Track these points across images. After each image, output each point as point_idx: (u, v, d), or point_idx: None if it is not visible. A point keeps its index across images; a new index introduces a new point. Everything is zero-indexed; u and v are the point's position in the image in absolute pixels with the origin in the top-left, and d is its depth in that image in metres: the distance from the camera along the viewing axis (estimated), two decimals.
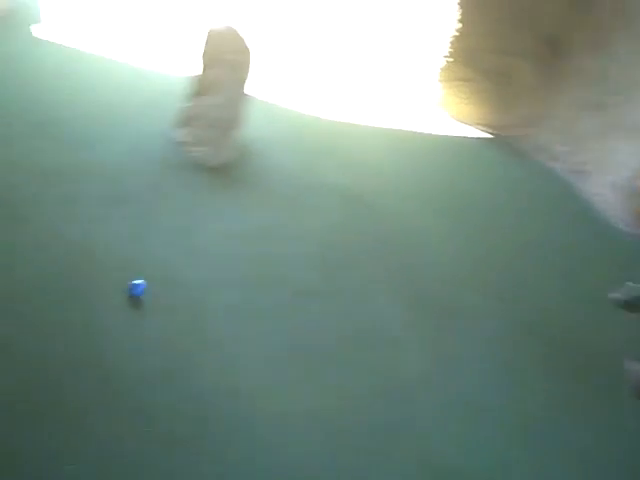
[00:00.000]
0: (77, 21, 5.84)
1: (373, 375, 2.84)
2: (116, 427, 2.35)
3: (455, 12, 2.43)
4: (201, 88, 4.11)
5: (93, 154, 3.89)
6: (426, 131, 4.58)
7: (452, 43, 2.48)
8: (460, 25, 2.11)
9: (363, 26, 5.37)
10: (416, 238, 3.58)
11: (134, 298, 2.95)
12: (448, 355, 2.97)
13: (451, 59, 2.69)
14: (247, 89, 4.00)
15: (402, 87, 4.96)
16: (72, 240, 3.19)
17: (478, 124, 4.72)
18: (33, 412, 2.34)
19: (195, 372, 2.61)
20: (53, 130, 4.07)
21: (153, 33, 5.78)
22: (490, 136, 4.67)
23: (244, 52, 4.01)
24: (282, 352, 2.79)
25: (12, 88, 4.49)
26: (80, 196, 3.51)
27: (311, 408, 2.60)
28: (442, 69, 2.10)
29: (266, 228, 3.44)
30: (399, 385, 2.81)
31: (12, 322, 2.69)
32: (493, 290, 3.37)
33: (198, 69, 4.17)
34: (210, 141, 3.92)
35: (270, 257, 3.22)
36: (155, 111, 4.43)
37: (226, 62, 3.95)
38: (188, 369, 2.62)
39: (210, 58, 4.07)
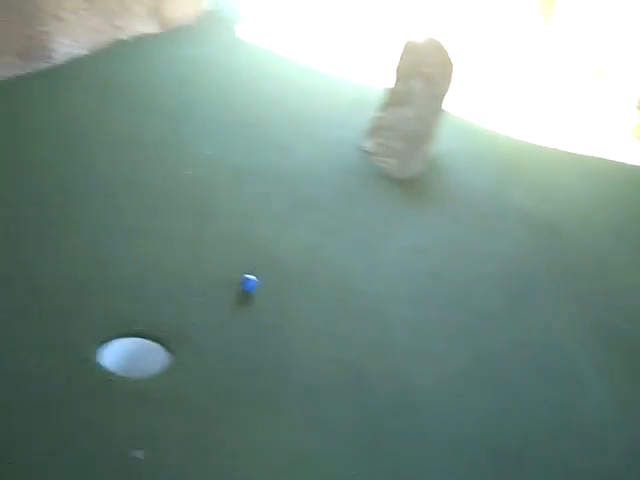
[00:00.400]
0: (277, 23, 6.15)
1: (553, 409, 2.73)
2: None
3: None
4: (394, 99, 4.14)
5: (284, 157, 4.02)
6: (620, 160, 4.43)
7: None
8: None
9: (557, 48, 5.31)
10: (605, 271, 3.48)
11: (245, 294, 2.97)
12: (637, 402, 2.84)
13: None
14: (444, 103, 4.02)
15: (596, 113, 4.84)
16: (258, 239, 3.29)
17: None
18: None
19: (369, 384, 2.62)
20: (247, 131, 4.24)
21: (351, 41, 5.95)
22: None
23: (444, 65, 4.02)
24: (459, 375, 2.75)
25: (210, 89, 4.75)
26: (270, 197, 3.63)
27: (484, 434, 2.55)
28: None
29: (449, 245, 3.44)
30: (579, 420, 2.71)
31: (198, 317, 2.80)
32: None
33: (393, 80, 4.21)
34: (399, 153, 3.96)
35: (451, 275, 3.21)
36: (347, 119, 4.53)
37: (423, 75, 3.98)
38: (361, 379, 2.64)
39: (406, 70, 4.10)
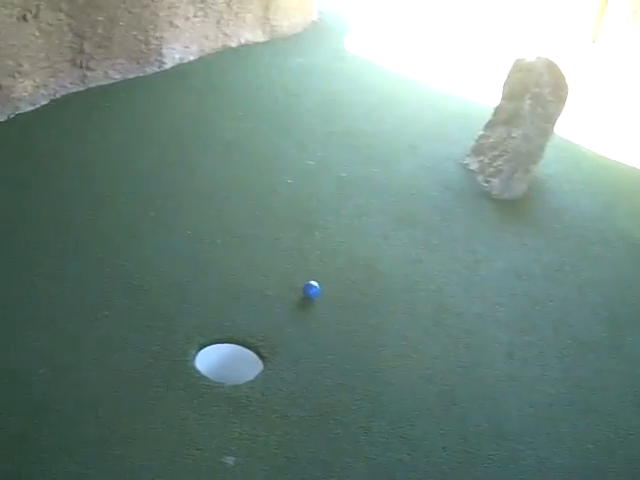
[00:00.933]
0: (384, 35, 6.15)
1: None
2: None
3: None
4: (501, 118, 4.08)
5: (385, 170, 4.02)
6: None
7: None
8: None
9: None
10: None
11: (309, 299, 2.99)
12: None
13: None
14: (554, 125, 3.93)
15: None
16: (358, 252, 3.29)
17: None
18: None
19: (462, 407, 2.58)
20: (349, 142, 4.27)
21: (459, 56, 5.90)
22: None
23: (556, 86, 3.93)
24: (554, 403, 2.66)
25: (315, 98, 4.81)
26: (371, 210, 3.62)
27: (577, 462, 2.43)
28: None
29: (550, 269, 3.36)
30: None
31: (294, 326, 2.83)
32: None
33: (500, 98, 4.16)
34: (503, 173, 3.89)
35: (551, 300, 3.13)
36: (451, 135, 4.51)
37: (532, 94, 3.90)
38: (453, 402, 2.60)
39: (515, 89, 4.03)
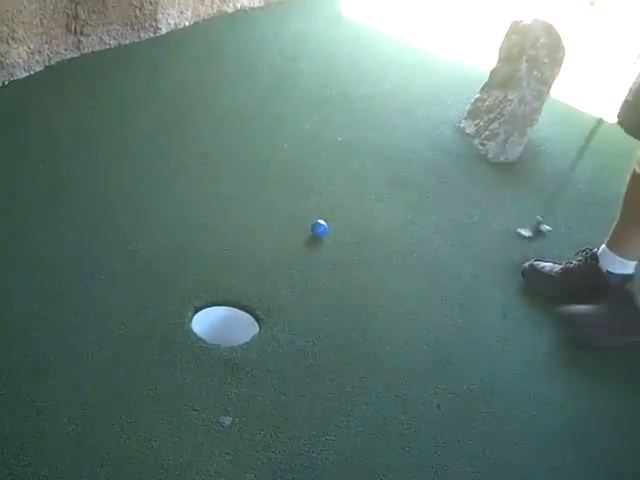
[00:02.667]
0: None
1: None
2: None
3: None
4: (497, 81, 4.08)
5: (381, 133, 4.02)
6: None
7: None
8: None
9: None
10: None
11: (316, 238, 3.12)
12: None
13: None
14: (550, 88, 3.93)
15: None
16: (353, 215, 3.32)
17: None
18: None
19: (456, 368, 2.60)
20: (345, 106, 4.26)
21: (455, 19, 5.86)
22: None
23: (553, 49, 3.91)
24: (550, 365, 2.70)
25: (312, 63, 4.78)
26: (366, 174, 3.63)
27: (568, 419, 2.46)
28: None
29: (545, 232, 3.38)
30: None
31: (290, 288, 2.85)
32: None
33: (496, 61, 4.15)
34: (499, 136, 3.88)
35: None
36: (447, 98, 4.49)
37: (529, 57, 3.88)
38: (447, 363, 2.62)
39: (511, 51, 4.02)
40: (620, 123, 2.72)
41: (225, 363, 2.44)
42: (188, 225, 3.08)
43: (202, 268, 2.84)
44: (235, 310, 2.70)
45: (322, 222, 3.11)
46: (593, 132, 3.22)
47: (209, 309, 2.69)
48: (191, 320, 2.60)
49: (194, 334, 2.54)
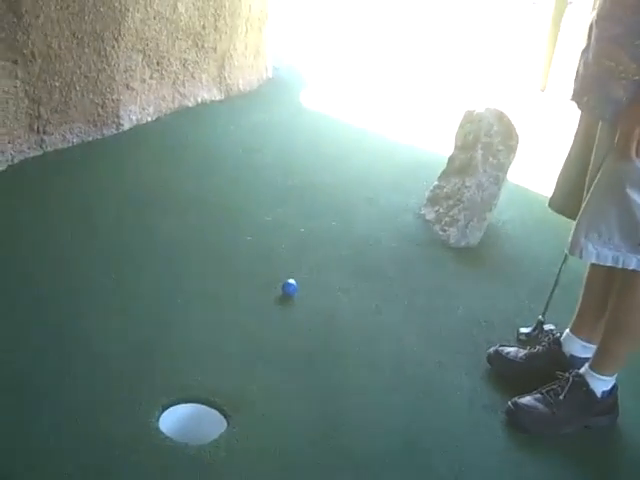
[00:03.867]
0: (340, 89, 6.29)
1: None
2: None
3: None
4: (454, 168, 4.18)
5: (344, 223, 4.07)
6: None
7: None
8: None
9: None
10: None
11: (287, 296, 3.30)
12: None
13: None
14: (506, 173, 4.04)
15: None
16: (319, 307, 3.33)
17: None
18: None
19: (425, 457, 2.60)
20: (308, 196, 4.33)
21: (413, 107, 6.04)
22: None
23: (506, 135, 4.03)
24: (520, 451, 2.69)
25: (273, 154, 4.88)
26: (330, 264, 3.67)
27: None
28: None
29: (508, 314, 3.41)
30: None
31: (257, 382, 2.84)
32: None
33: (453, 148, 4.27)
34: (459, 222, 3.96)
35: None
36: (407, 185, 4.58)
37: (483, 144, 4.01)
38: (417, 452, 2.61)
39: (466, 139, 4.14)
40: (548, 204, 2.89)
41: (193, 462, 2.41)
42: (153, 322, 3.08)
43: (169, 365, 2.83)
44: (203, 407, 2.68)
45: (291, 281, 3.30)
46: None
47: (177, 407, 2.66)
48: (158, 419, 2.57)
49: (162, 433, 2.51)
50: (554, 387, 2.78)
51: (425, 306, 3.43)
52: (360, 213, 4.19)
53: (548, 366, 2.91)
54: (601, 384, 2.70)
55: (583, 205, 2.52)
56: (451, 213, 4.00)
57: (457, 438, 2.69)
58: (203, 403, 2.69)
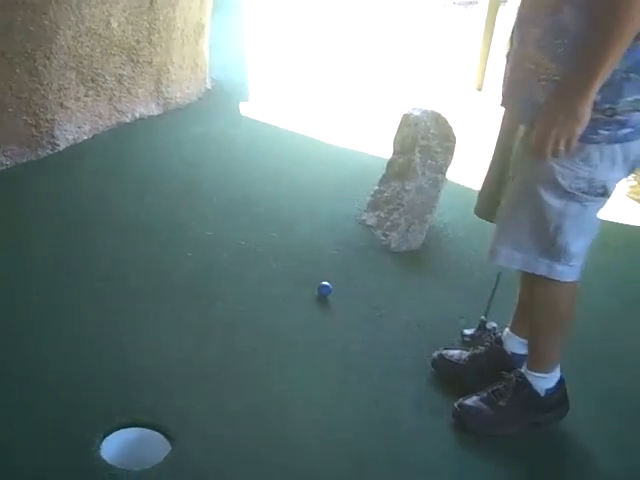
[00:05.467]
0: (280, 98, 6.24)
1: None
2: None
3: None
4: (394, 172, 4.18)
5: (286, 233, 4.05)
6: (616, 220, 4.46)
7: None
8: None
9: None
10: (603, 332, 3.46)
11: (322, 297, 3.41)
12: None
13: None
14: (445, 174, 4.05)
15: None
16: (263, 320, 3.30)
17: None
18: None
19: (372, 468, 2.61)
20: (249, 208, 4.29)
21: (354, 112, 6.03)
22: None
23: (443, 138, 4.04)
24: (472, 453, 2.72)
25: (214, 167, 4.82)
26: (272, 276, 3.65)
27: None
28: None
29: (452, 316, 3.42)
30: None
31: (200, 402, 2.80)
32: None
33: (392, 152, 4.26)
34: (400, 226, 3.96)
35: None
36: (349, 192, 4.57)
37: (421, 147, 4.00)
38: (363, 464, 2.62)
39: (404, 143, 4.14)
40: (474, 211, 3.00)
41: None
42: (93, 346, 3.02)
43: (109, 390, 2.78)
44: (145, 430, 2.64)
45: (325, 283, 3.41)
46: None
47: (118, 432, 2.62)
48: (99, 447, 2.52)
49: (103, 461, 2.46)
50: (499, 387, 2.79)
51: (369, 313, 3.42)
52: (301, 223, 4.17)
53: (492, 365, 2.92)
54: (542, 382, 2.71)
55: (498, 209, 2.54)
56: (392, 218, 4.00)
57: (405, 444, 2.69)
58: (146, 426, 2.65)
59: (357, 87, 6.62)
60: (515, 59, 2.36)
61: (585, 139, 2.14)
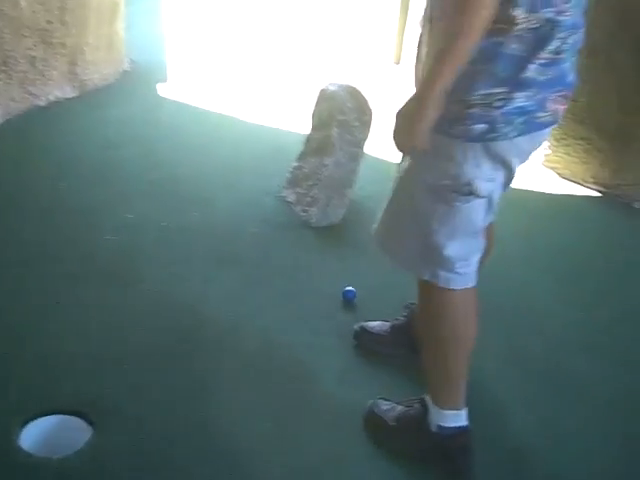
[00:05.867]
0: (203, 78, 6.15)
1: None
2: None
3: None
4: (312, 148, 4.17)
5: (206, 212, 4.02)
6: (532, 189, 4.53)
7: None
8: (580, 83, 2.05)
9: None
10: (521, 300, 3.50)
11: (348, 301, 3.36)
12: (552, 419, 2.82)
13: (566, 117, 2.58)
14: (363, 148, 4.05)
15: None
16: (184, 300, 3.28)
17: (588, 182, 4.62)
18: None
19: (298, 440, 2.64)
20: (169, 189, 4.24)
21: (273, 89, 5.97)
22: (600, 195, 4.55)
23: (360, 112, 4.04)
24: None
25: (133, 149, 4.74)
26: (193, 256, 3.63)
27: None
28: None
29: (373, 289, 3.43)
30: None
31: (121, 385, 2.78)
32: (606, 355, 3.20)
33: (310, 128, 4.25)
34: (320, 201, 3.97)
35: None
36: (269, 168, 4.55)
37: (339, 122, 3.99)
38: (289, 436, 2.64)
39: (322, 118, 4.13)
40: None
41: (58, 476, 2.36)
42: (10, 333, 2.98)
43: (27, 377, 2.76)
44: (66, 417, 2.62)
45: (350, 288, 3.35)
46: None
47: (38, 420, 2.59)
48: (19, 436, 2.50)
49: (23, 450, 2.44)
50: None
51: (291, 289, 3.45)
52: (222, 201, 4.16)
53: (413, 334, 2.95)
54: (436, 415, 2.44)
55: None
56: (311, 193, 4.02)
57: (326, 419, 2.73)
58: (66, 412, 2.63)
59: (276, 64, 6.59)
60: (422, 55, 2.33)
61: (444, 132, 2.02)
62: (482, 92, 1.98)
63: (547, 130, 2.15)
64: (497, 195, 2.14)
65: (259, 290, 3.41)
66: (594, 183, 4.63)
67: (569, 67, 2.02)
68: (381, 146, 4.62)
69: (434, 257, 2.18)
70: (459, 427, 2.40)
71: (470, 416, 2.46)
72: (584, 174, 4.67)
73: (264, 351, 3.03)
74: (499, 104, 1.97)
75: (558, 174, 4.80)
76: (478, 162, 2.05)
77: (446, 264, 2.17)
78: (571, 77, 2.06)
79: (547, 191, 4.62)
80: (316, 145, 4.15)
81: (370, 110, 4.07)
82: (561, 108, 2.07)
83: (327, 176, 3.99)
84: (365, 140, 4.07)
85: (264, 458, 2.53)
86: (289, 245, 3.80)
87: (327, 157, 4.02)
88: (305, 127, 4.39)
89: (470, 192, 2.05)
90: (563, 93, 2.03)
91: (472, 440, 2.45)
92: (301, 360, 3.00)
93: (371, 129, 4.09)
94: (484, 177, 2.04)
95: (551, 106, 2.01)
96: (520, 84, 1.94)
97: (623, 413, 2.90)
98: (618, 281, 3.76)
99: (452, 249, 2.14)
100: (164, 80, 6.00)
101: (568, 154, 4.70)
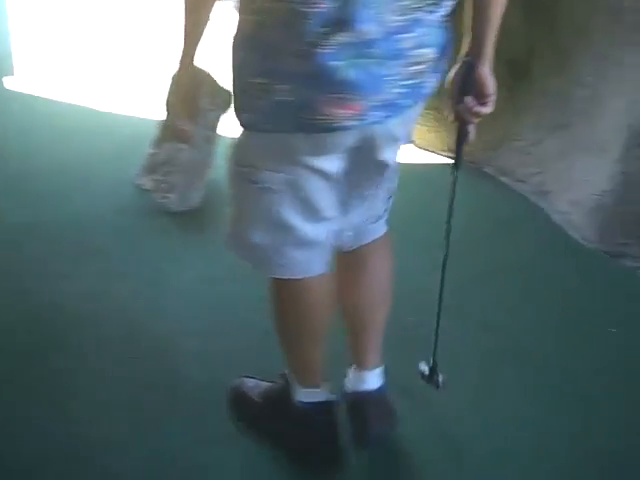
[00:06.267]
0: (53, 70, 5.87)
1: None
2: None
3: None
4: (167, 133, 4.03)
5: (62, 207, 3.91)
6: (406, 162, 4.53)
7: None
8: None
9: None
10: None
11: None
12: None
13: None
14: (218, 130, 3.93)
15: None
16: (42, 299, 3.21)
17: (442, 150, 4.71)
18: None
19: (167, 426, 2.64)
20: (21, 186, 4.10)
21: (125, 76, 5.77)
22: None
23: (212, 95, 3.90)
24: None
25: None
26: (51, 253, 3.53)
27: None
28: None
29: (240, 270, 3.34)
30: None
31: None
32: (473, 318, 3.26)
33: (164, 114, 4.09)
34: (177, 187, 3.92)
35: (244, 301, 3.17)
36: (125, 158, 4.41)
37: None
38: (155, 422, 2.66)
39: (173, 103, 3.98)
40: None
41: None
42: None
43: None
44: None
45: None
46: None
47: None
48: None
49: None
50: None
51: (154, 278, 3.43)
52: (80, 194, 4.06)
53: None
54: (297, 393, 2.42)
55: None
56: (169, 179, 3.98)
57: (192, 404, 2.74)
58: None
59: (129, 50, 6.44)
60: None
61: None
62: (246, 80, 1.90)
63: (348, 132, 1.85)
64: (312, 195, 2.00)
65: (122, 281, 3.38)
66: (447, 150, 4.69)
67: (343, 66, 1.66)
68: (237, 127, 4.62)
69: (244, 243, 2.18)
70: (320, 402, 2.38)
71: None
72: (437, 142, 4.78)
73: (127, 344, 3.02)
74: (260, 94, 1.85)
75: (415, 145, 4.86)
76: (264, 152, 1.97)
77: (255, 250, 2.16)
78: (346, 77, 1.67)
79: (403, 160, 4.66)
80: (171, 130, 4.09)
81: (225, 92, 4.03)
82: (342, 112, 1.74)
83: (183, 161, 3.96)
84: (219, 122, 4.03)
85: (121, 446, 2.53)
86: (150, 234, 3.77)
87: (182, 142, 3.98)
88: (160, 114, 4.32)
89: (257, 181, 2.00)
90: (338, 95, 1.71)
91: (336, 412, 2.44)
92: (165, 348, 3.00)
93: (226, 111, 4.06)
94: (266, 167, 1.97)
95: (326, 108, 1.73)
96: (278, 76, 1.79)
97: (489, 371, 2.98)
98: (464, 240, 3.83)
99: (259, 237, 2.10)
100: (11, 73, 5.77)
101: (421, 124, 4.79)
